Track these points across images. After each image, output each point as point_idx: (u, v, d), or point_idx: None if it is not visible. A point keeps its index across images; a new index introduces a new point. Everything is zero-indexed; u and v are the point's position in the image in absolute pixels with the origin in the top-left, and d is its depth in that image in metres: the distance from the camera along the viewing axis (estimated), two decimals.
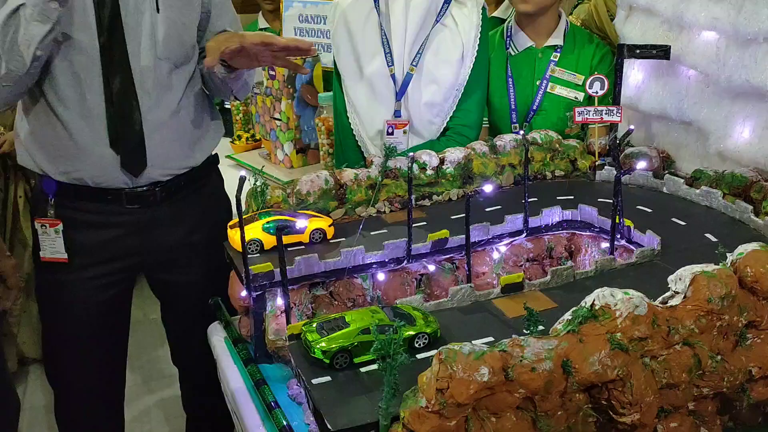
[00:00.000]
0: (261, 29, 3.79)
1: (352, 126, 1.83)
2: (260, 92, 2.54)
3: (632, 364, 0.84)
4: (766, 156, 1.39)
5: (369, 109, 1.78)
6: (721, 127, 1.49)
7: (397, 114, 1.78)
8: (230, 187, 2.40)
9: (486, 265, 1.48)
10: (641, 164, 1.43)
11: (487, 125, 1.97)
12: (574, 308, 0.88)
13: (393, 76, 1.75)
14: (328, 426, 0.84)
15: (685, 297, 0.90)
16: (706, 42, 1.48)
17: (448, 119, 1.79)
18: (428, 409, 0.79)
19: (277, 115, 2.50)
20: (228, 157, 2.66)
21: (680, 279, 0.92)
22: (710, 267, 0.92)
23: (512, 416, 0.82)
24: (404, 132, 1.78)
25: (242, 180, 1.19)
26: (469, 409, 0.80)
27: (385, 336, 0.82)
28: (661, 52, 1.55)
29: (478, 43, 1.73)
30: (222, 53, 1.48)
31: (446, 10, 1.72)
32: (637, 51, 1.59)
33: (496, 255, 1.46)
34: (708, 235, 1.33)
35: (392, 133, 1.78)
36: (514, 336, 0.85)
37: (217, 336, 1.52)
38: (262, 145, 2.72)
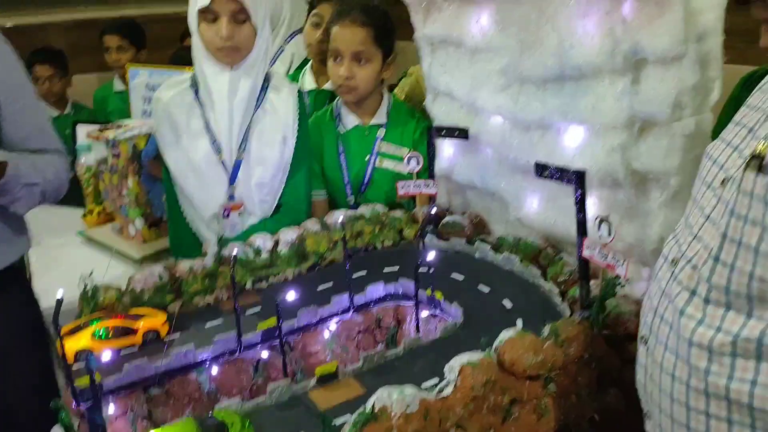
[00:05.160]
0: (116, 92, 3.76)
1: (185, 214, 1.90)
2: (105, 169, 2.53)
3: None
4: (550, 224, 1.59)
5: (201, 196, 1.86)
6: (516, 198, 1.69)
7: (231, 198, 1.86)
8: (80, 266, 2.37)
9: (319, 343, 1.58)
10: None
11: (326, 197, 2.10)
12: (359, 410, 1.00)
13: (223, 162, 1.84)
14: None
15: (455, 386, 1.04)
16: (495, 125, 1.68)
17: (279, 196, 1.90)
18: None
19: (125, 192, 2.49)
20: (79, 234, 2.62)
21: (452, 369, 1.06)
22: (476, 356, 1.08)
23: None
24: (239, 214, 1.87)
25: (59, 303, 1.22)
26: None
27: None
28: (462, 134, 1.74)
29: (297, 124, 1.87)
30: None
31: (264, 96, 1.84)
32: (443, 132, 1.78)
33: (327, 334, 1.58)
34: (505, 301, 1.51)
35: (228, 216, 1.87)
36: None
37: None
38: (115, 219, 2.70)
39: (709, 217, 0.84)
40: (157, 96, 1.88)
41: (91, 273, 1.53)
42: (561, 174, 1.31)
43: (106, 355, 1.25)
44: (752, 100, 0.92)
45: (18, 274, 1.78)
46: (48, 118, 1.81)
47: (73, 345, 1.38)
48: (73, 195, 2.93)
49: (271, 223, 1.88)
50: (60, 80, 3.68)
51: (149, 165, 2.52)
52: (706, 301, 0.80)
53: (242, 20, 1.72)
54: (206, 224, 1.89)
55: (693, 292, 0.82)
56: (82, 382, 1.26)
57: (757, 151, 0.73)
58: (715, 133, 1.35)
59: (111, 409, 1.32)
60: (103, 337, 1.40)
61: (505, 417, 1.08)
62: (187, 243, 1.93)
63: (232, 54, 1.74)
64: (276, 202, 1.92)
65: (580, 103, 1.40)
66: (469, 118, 1.76)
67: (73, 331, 1.41)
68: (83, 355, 1.38)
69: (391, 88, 2.73)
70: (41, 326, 1.87)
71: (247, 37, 1.74)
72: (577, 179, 1.28)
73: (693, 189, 0.95)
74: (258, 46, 1.78)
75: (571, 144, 1.46)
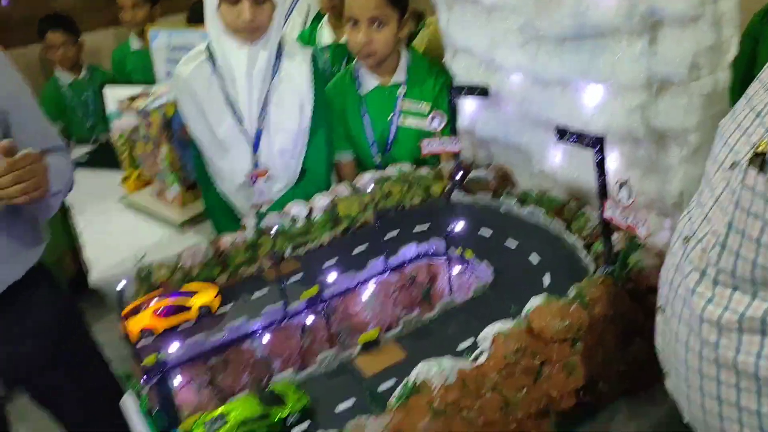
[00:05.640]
0: (134, 51, 3.79)
1: (215, 183, 2.03)
2: (138, 138, 2.61)
3: (450, 421, 1.08)
4: (573, 177, 1.64)
5: (228, 166, 1.96)
6: (539, 151, 1.73)
7: (256, 165, 1.95)
8: (126, 232, 2.52)
9: (359, 304, 1.69)
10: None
11: (352, 157, 2.16)
12: (404, 382, 1.11)
13: (246, 132, 1.91)
14: None
15: (489, 354, 1.14)
16: (515, 82, 1.70)
17: (301, 161, 1.98)
18: None
19: (160, 159, 2.58)
20: (122, 199, 2.74)
21: (485, 338, 1.16)
22: (507, 325, 1.16)
23: None
24: (266, 179, 1.96)
25: (120, 294, 1.34)
26: None
27: None
28: (482, 92, 1.76)
29: (312, 90, 1.92)
30: None
31: (279, 65, 1.89)
32: (463, 91, 1.80)
33: (366, 295, 1.68)
34: (532, 257, 1.58)
35: (255, 183, 1.96)
36: (358, 418, 1.07)
37: (132, 407, 1.68)
38: (153, 183, 2.80)
39: (718, 199, 0.89)
40: (177, 72, 1.94)
41: (144, 256, 1.65)
42: (581, 138, 1.35)
43: (173, 347, 1.38)
44: (764, 75, 0.94)
45: (43, 270, 1.84)
46: (47, 118, 1.81)
47: (135, 325, 1.51)
48: (109, 158, 3.05)
49: (299, 191, 1.97)
50: (73, 45, 3.69)
51: (181, 131, 2.60)
52: (715, 282, 0.87)
53: (263, 0, 1.75)
54: (235, 191, 1.98)
55: (703, 273, 0.88)
56: (149, 361, 1.39)
57: (759, 149, 0.77)
58: (736, 70, 1.36)
59: (177, 381, 1.46)
60: (161, 315, 1.53)
61: (536, 378, 1.18)
62: (221, 209, 2.05)
63: (253, 33, 1.77)
64: (299, 167, 2.00)
65: (599, 63, 1.42)
66: (488, 74, 1.78)
67: (134, 312, 1.54)
68: (146, 333, 1.51)
69: (418, 17, 2.69)
70: (77, 314, 1.97)
71: (267, 16, 1.77)
72: (597, 144, 1.31)
73: (707, 163, 0.99)
74: (275, 20, 1.80)
75: (591, 103, 1.48)
